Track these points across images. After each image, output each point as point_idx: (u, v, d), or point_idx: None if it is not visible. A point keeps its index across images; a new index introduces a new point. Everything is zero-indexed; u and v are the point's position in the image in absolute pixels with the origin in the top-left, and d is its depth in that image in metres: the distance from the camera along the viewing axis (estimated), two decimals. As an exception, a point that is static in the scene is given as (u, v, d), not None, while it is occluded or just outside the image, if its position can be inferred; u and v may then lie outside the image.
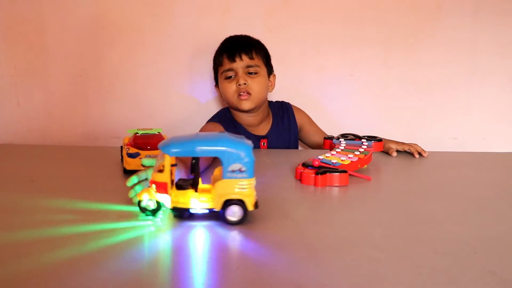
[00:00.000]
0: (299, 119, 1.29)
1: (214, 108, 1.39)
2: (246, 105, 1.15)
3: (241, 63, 1.15)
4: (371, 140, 0.94)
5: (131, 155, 0.80)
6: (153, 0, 1.36)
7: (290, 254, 0.47)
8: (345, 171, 0.75)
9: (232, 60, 1.15)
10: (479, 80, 1.40)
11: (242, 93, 1.14)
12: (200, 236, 0.52)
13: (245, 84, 1.14)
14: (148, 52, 1.39)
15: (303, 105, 1.37)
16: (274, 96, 1.33)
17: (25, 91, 1.40)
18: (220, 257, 0.46)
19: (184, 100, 1.42)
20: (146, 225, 0.55)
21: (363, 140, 0.95)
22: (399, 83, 1.42)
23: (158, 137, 0.89)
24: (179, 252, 0.47)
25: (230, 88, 1.16)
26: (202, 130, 1.16)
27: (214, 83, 1.28)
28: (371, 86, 1.42)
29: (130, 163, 0.79)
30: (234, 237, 0.51)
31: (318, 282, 0.41)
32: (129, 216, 0.60)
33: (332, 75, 1.42)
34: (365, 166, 0.87)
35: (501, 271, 0.43)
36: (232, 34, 1.29)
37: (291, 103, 1.34)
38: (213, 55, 1.38)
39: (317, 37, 1.40)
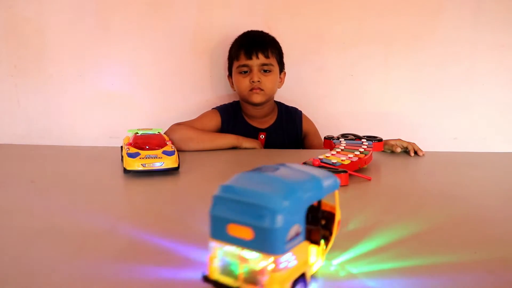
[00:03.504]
0: (306, 126, 1.33)
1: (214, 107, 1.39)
2: (257, 98, 1.22)
3: (256, 61, 1.21)
4: (371, 140, 0.94)
5: (131, 155, 0.80)
6: (153, 0, 1.36)
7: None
8: (345, 171, 0.75)
9: (249, 57, 1.21)
10: (479, 80, 1.40)
11: (254, 89, 1.21)
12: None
13: (258, 81, 1.20)
14: (148, 52, 1.39)
15: (303, 105, 1.38)
16: (276, 96, 1.33)
17: (25, 91, 1.40)
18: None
19: (184, 100, 1.42)
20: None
21: (363, 140, 0.95)
22: (399, 83, 1.42)
23: (158, 137, 0.89)
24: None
25: (244, 82, 1.22)
26: (201, 116, 1.25)
27: (227, 74, 1.33)
28: (371, 86, 1.42)
29: (130, 163, 0.79)
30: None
31: (318, 282, 0.41)
32: (129, 216, 0.60)
33: (332, 75, 1.42)
34: (365, 166, 0.87)
35: (501, 271, 0.43)
36: (232, 34, 1.29)
37: (289, 102, 1.35)
38: (212, 55, 1.39)
39: (317, 37, 1.40)
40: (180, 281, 0.40)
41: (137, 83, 1.41)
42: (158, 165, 0.79)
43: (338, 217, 0.43)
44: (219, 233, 0.35)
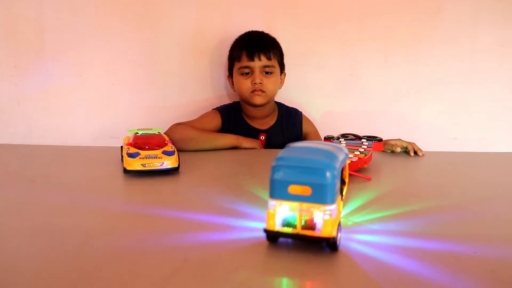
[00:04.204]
0: (306, 128, 1.33)
1: (214, 107, 1.39)
2: (259, 100, 1.22)
3: (259, 63, 1.20)
4: (371, 140, 0.94)
5: (131, 155, 0.80)
6: (153, 0, 1.37)
7: (290, 254, 0.47)
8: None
9: (251, 59, 1.20)
10: (479, 80, 1.40)
11: (256, 90, 1.21)
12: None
13: (260, 83, 1.20)
14: (148, 52, 1.39)
15: (302, 105, 1.38)
16: (276, 96, 1.33)
17: (25, 91, 1.40)
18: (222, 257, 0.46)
19: (184, 100, 1.42)
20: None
21: (363, 140, 0.95)
22: (399, 83, 1.42)
23: (158, 137, 0.89)
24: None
25: (246, 84, 1.22)
26: (201, 116, 1.25)
27: (227, 74, 1.32)
28: (371, 86, 1.42)
29: (130, 163, 0.79)
30: (235, 235, 0.52)
31: (317, 282, 0.41)
32: (129, 216, 0.60)
33: (332, 75, 1.42)
34: (365, 166, 0.87)
35: (501, 271, 0.43)
36: (232, 34, 1.29)
37: (289, 102, 1.35)
38: (213, 55, 1.39)
39: (317, 37, 1.40)
40: (176, 282, 0.41)
41: (137, 83, 1.41)
42: (158, 165, 0.79)
43: (347, 180, 0.54)
44: (280, 193, 0.45)
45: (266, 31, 1.29)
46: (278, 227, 0.46)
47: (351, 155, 0.85)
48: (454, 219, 0.60)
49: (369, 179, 0.79)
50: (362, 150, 0.88)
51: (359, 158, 0.84)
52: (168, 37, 1.39)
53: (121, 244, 0.49)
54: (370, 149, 0.90)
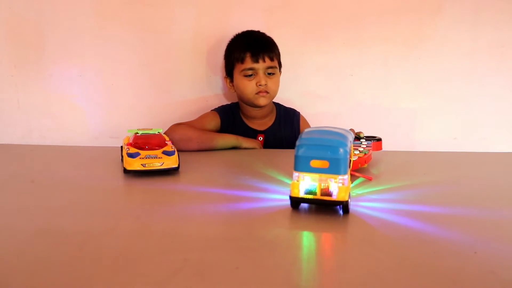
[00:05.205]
0: (303, 128, 1.32)
1: (214, 107, 1.39)
2: (263, 101, 1.22)
3: (263, 65, 1.20)
4: (370, 140, 0.94)
5: (131, 155, 0.80)
6: (153, 0, 1.37)
7: (290, 253, 0.47)
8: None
9: (256, 61, 1.20)
10: (479, 80, 1.40)
11: (261, 92, 1.20)
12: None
13: (265, 84, 1.20)
14: (148, 52, 1.39)
15: (303, 105, 1.38)
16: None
17: (25, 91, 1.40)
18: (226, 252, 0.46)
19: (184, 100, 1.42)
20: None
21: (362, 139, 0.95)
22: (399, 83, 1.42)
23: (158, 137, 0.89)
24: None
25: (250, 86, 1.21)
26: (201, 117, 1.25)
27: (224, 74, 1.31)
28: (371, 86, 1.42)
29: (130, 163, 0.79)
30: (237, 236, 0.52)
31: (317, 282, 0.41)
32: (129, 216, 0.60)
33: (332, 75, 1.42)
34: (365, 165, 0.87)
35: (501, 271, 0.43)
36: (232, 34, 1.29)
37: (289, 102, 1.35)
38: (212, 54, 1.38)
39: (317, 37, 1.40)
40: (177, 283, 0.41)
41: (136, 83, 1.41)
42: (158, 165, 0.79)
43: (352, 158, 0.63)
44: (303, 166, 0.55)
45: (266, 31, 1.29)
46: (301, 194, 0.56)
47: (351, 155, 0.85)
48: (454, 219, 0.60)
49: (370, 179, 0.79)
50: (361, 149, 0.88)
51: (358, 157, 0.84)
52: (168, 37, 1.39)
53: (121, 244, 0.49)
54: (370, 148, 0.90)
